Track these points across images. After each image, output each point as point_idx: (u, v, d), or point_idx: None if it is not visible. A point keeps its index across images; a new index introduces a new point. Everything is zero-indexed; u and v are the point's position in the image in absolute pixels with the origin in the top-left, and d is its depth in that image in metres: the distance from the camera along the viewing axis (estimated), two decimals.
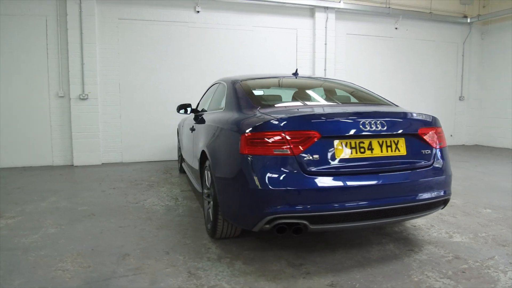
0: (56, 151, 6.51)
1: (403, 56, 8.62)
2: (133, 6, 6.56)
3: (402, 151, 2.58)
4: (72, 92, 6.36)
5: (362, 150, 2.47)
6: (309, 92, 3.46)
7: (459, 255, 2.79)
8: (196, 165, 3.63)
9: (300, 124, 2.40)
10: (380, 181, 2.45)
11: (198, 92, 7.02)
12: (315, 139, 2.37)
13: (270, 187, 2.32)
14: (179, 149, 5.97)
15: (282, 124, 2.37)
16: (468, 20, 8.79)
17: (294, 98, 3.38)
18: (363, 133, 2.47)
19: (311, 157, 2.36)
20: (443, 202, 2.74)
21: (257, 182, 2.35)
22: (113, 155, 6.78)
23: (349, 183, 2.37)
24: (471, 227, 3.38)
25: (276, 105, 2.94)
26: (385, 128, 2.52)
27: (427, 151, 2.67)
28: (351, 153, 2.44)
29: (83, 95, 6.39)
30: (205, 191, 3.31)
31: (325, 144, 2.39)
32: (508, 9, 8.17)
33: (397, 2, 8.26)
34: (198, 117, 3.99)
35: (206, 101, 4.91)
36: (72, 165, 6.54)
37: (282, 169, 2.34)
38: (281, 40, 7.62)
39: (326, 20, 7.71)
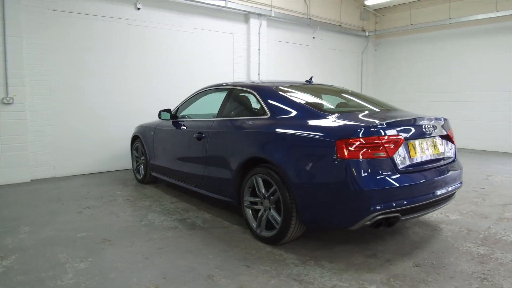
0: None
1: (319, 62, 9.60)
2: None
3: (442, 149, 3.12)
4: None
5: (424, 150, 2.91)
6: (344, 99, 3.72)
7: (469, 228, 3.50)
8: (227, 175, 3.52)
9: (390, 130, 2.70)
10: (439, 175, 2.93)
11: (142, 95, 6.55)
12: (401, 142, 2.70)
13: (375, 187, 2.56)
14: (137, 158, 5.49)
15: (377, 130, 2.63)
16: (366, 34, 10.33)
17: (339, 105, 3.60)
18: (425, 136, 2.92)
19: (399, 158, 2.69)
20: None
21: (362, 184, 2.55)
22: (45, 170, 5.75)
23: (425, 177, 2.79)
24: (450, 207, 4.18)
25: (339, 112, 3.13)
26: (435, 130, 3.02)
27: (452, 148, 3.28)
28: (420, 153, 2.86)
29: (7, 98, 5.25)
30: (250, 199, 3.29)
31: (405, 146, 2.75)
32: (396, 27, 9.94)
33: (316, 14, 9.16)
34: (209, 124, 3.85)
35: (198, 108, 4.73)
36: None
37: (381, 170, 2.61)
38: (219, 44, 7.63)
39: (260, 27, 8.05)
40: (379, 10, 10.38)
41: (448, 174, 3.04)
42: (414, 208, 2.75)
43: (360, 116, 3.08)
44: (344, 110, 3.33)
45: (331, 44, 9.83)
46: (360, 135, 2.62)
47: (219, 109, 3.94)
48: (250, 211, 3.34)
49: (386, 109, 3.50)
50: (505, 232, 3.41)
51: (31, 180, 5.60)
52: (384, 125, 2.71)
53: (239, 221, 3.72)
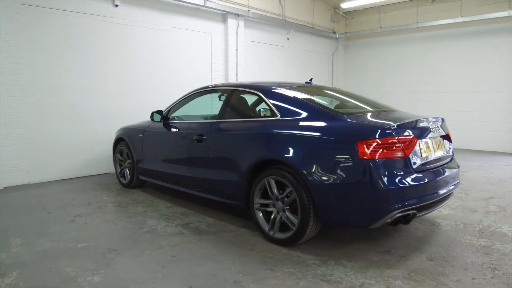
0: None
1: (293, 63, 9.71)
2: None
3: (444, 148, 3.28)
4: None
5: (431, 149, 3.05)
6: (349, 101, 3.77)
7: (463, 222, 3.71)
8: (234, 177, 3.46)
9: (406, 130, 2.80)
10: (445, 173, 3.08)
11: (121, 95, 6.30)
12: (415, 142, 2.81)
13: (395, 186, 2.65)
14: (121, 162, 5.26)
15: (395, 131, 2.72)
16: (337, 36, 10.61)
17: (341, 107, 3.64)
18: (432, 136, 3.06)
19: (414, 158, 2.80)
20: None
21: (384, 183, 2.63)
22: (18, 176, 5.34)
23: (435, 175, 2.93)
24: None
25: (351, 114, 3.18)
26: (440, 130, 3.18)
27: (450, 147, 3.46)
28: (428, 152, 2.99)
29: None
30: (261, 201, 3.27)
31: (418, 146, 2.86)
32: (365, 29, 10.31)
33: (290, 15, 9.27)
34: (211, 126, 3.78)
35: (191, 109, 4.62)
36: None
37: (400, 169, 2.71)
38: (198, 43, 7.50)
39: (237, 27, 8.01)
40: (349, 13, 10.71)
41: (451, 172, 3.20)
42: (427, 205, 2.87)
43: (371, 117, 3.16)
44: (353, 112, 3.40)
45: (304, 45, 9.99)
46: (380, 136, 2.69)
47: (221, 110, 3.88)
48: (261, 214, 3.32)
49: (385, 110, 3.60)
50: (496, 224, 3.66)
51: (4, 187, 5.18)
52: (400, 126, 2.80)
53: (244, 224, 3.69)
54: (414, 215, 2.79)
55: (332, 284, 2.50)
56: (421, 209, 2.83)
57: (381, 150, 2.66)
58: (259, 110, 3.68)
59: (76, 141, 5.89)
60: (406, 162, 2.74)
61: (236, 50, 8.09)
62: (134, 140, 4.94)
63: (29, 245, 3.19)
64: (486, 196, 4.71)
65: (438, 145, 3.19)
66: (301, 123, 3.08)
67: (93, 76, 5.98)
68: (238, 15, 7.96)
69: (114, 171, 6.16)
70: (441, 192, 2.97)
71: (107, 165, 6.22)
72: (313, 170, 2.85)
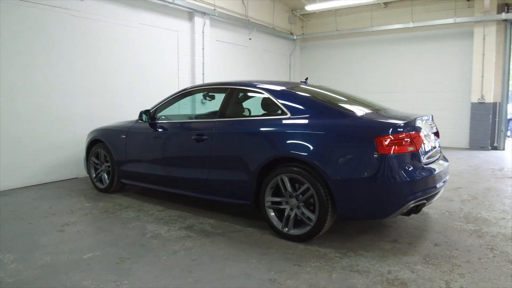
0: None
1: (255, 63, 9.80)
2: None
3: (434, 143, 3.57)
4: None
5: (429, 144, 3.31)
6: (347, 99, 3.86)
7: (447, 210, 4.06)
8: (242, 176, 3.44)
9: (415, 126, 3.00)
10: (443, 166, 3.36)
11: (89, 95, 5.90)
12: (422, 137, 3.04)
13: (412, 178, 2.85)
14: (97, 165, 4.94)
15: (405, 128, 2.92)
16: (294, 37, 10.90)
17: (349, 103, 3.70)
18: (428, 132, 3.32)
19: (422, 152, 3.03)
20: None
21: (402, 176, 2.81)
22: None
23: (437, 168, 3.18)
24: None
25: (360, 112, 3.31)
26: (433, 127, 3.46)
27: (439, 142, 3.77)
28: (428, 147, 3.24)
29: None
30: (272, 199, 3.29)
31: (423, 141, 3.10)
32: (321, 32, 10.73)
33: (252, 15, 9.34)
34: (213, 125, 3.72)
35: (179, 109, 4.50)
36: None
37: (414, 163, 2.91)
38: (165, 41, 7.27)
39: (204, 25, 7.90)
40: (305, 15, 11.06)
41: (445, 165, 3.49)
42: (432, 195, 3.11)
43: (379, 115, 3.32)
44: (373, 108, 3.52)
45: (265, 46, 10.13)
46: (395, 132, 2.86)
47: (221, 109, 3.82)
48: (272, 212, 3.34)
49: (380, 108, 3.80)
50: (475, 211, 4.06)
51: None
52: (408, 124, 3.00)
53: (249, 223, 3.68)
54: (423, 205, 3.01)
55: (363, 274, 2.61)
56: (428, 199, 3.06)
57: (396, 145, 2.84)
58: (268, 108, 3.67)
59: (41, 145, 5.41)
60: (418, 156, 2.95)
61: (203, 49, 7.97)
62: (115, 142, 4.66)
63: (24, 260, 2.89)
64: (454, 186, 5.18)
65: (433, 140, 3.47)
66: (316, 121, 3.16)
67: (58, 73, 5.53)
68: (205, 13, 7.85)
69: (82, 175, 5.80)
70: (441, 183, 3.24)
71: (75, 170, 5.80)
72: (333, 166, 2.95)
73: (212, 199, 3.82)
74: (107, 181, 4.85)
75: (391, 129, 2.88)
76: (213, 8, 8.03)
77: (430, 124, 3.46)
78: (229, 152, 3.61)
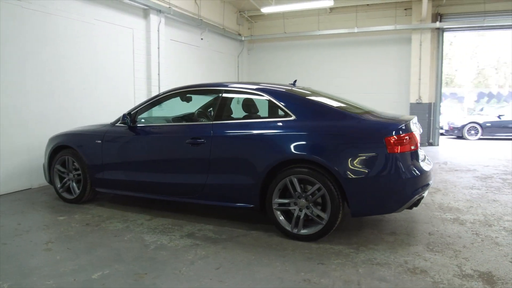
0: None
1: (206, 63, 9.64)
2: None
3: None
4: None
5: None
6: (342, 102, 3.98)
7: (423, 203, 4.45)
8: (247, 180, 3.41)
9: (411, 127, 3.25)
10: (429, 164, 3.65)
11: (41, 95, 5.32)
12: (417, 137, 3.31)
13: (417, 174, 3.11)
14: (63, 173, 4.49)
15: (407, 128, 3.16)
16: (242, 38, 10.95)
17: (346, 105, 3.80)
18: (419, 133, 3.62)
19: (419, 151, 3.30)
20: None
21: (409, 173, 3.06)
22: None
23: (429, 166, 3.48)
24: None
25: (360, 114, 3.45)
26: (420, 128, 3.77)
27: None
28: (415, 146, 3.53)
29: None
30: (280, 201, 3.32)
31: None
32: (269, 33, 10.93)
33: (204, 15, 9.17)
34: (211, 128, 3.62)
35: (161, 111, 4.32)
36: None
37: (416, 160, 3.19)
38: (121, 39, 6.81)
39: (159, 24, 7.58)
40: (253, 17, 11.18)
41: (431, 163, 3.83)
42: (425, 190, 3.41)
43: (378, 117, 3.50)
44: (359, 112, 3.67)
45: (215, 46, 10.03)
46: (400, 132, 3.08)
47: (217, 111, 3.74)
48: (279, 213, 3.37)
49: (370, 110, 4.00)
50: (444, 201, 4.51)
51: None
52: (407, 125, 3.24)
53: (249, 226, 3.66)
54: (422, 198, 3.29)
55: (385, 266, 2.77)
56: (423, 193, 3.35)
57: (401, 144, 3.06)
58: (272, 110, 3.65)
59: None
60: (417, 154, 3.22)
61: (158, 48, 7.64)
62: (89, 147, 4.28)
63: (23, 287, 2.54)
64: None
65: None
66: (325, 123, 3.26)
67: (9, 72, 4.89)
68: (160, 11, 7.54)
69: (37, 185, 5.30)
70: (431, 179, 3.55)
71: (29, 179, 5.21)
72: (345, 166, 3.07)
73: (209, 204, 3.72)
74: (77, 191, 4.43)
75: (397, 129, 3.09)
76: (168, 6, 7.74)
77: (417, 126, 3.76)
78: (231, 155, 3.54)
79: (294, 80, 4.32)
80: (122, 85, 6.90)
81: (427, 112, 9.21)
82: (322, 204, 3.24)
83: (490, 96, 19.92)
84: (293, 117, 3.38)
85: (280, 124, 3.41)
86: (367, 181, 3.07)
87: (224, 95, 3.80)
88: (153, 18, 7.45)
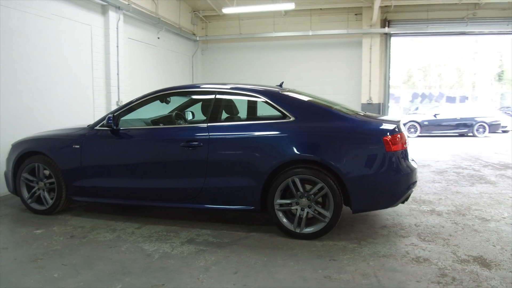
0: None
1: (162, 63, 9.34)
2: None
3: None
4: None
5: None
6: (328, 102, 4.09)
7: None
8: (248, 182, 3.42)
9: (400, 128, 3.48)
10: (415, 162, 3.94)
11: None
12: (405, 137, 3.57)
13: (411, 170, 3.36)
14: (32, 182, 4.11)
15: (399, 128, 3.40)
16: (197, 38, 10.78)
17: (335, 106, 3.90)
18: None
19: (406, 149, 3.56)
20: None
21: (405, 169, 3.31)
22: None
23: (415, 164, 3.76)
24: None
25: (354, 114, 3.60)
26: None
27: None
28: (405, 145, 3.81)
29: None
30: (282, 201, 3.38)
31: None
32: (224, 34, 10.89)
33: (162, 14, 8.88)
34: (207, 130, 3.56)
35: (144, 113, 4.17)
36: None
37: (407, 158, 3.43)
38: (79, 36, 6.34)
39: (118, 21, 7.19)
40: (207, 17, 11.05)
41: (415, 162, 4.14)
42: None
43: (369, 117, 3.70)
44: (351, 113, 3.82)
45: (171, 46, 9.77)
46: (395, 133, 3.30)
47: (212, 114, 3.67)
48: (281, 214, 3.42)
49: (357, 111, 4.20)
50: (415, 195, 4.87)
51: None
52: (398, 125, 3.47)
53: (248, 228, 3.67)
54: (411, 193, 3.56)
55: (391, 258, 2.96)
56: (413, 188, 3.62)
57: (397, 143, 3.29)
58: (272, 112, 3.66)
59: None
60: (407, 153, 3.47)
61: (117, 46, 7.25)
62: (65, 153, 3.96)
63: None
64: None
65: None
66: (325, 124, 3.38)
67: None
68: (119, 8, 7.17)
69: None
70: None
71: None
72: (348, 165, 3.22)
73: (207, 208, 3.65)
74: (50, 201, 4.08)
75: (392, 129, 3.31)
76: (127, 3, 7.38)
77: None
78: (231, 158, 3.52)
79: (280, 82, 4.38)
80: (80, 84, 6.44)
81: (377, 111, 9.85)
82: (323, 203, 3.37)
83: (423, 96, 21.94)
84: (292, 119, 3.45)
85: (281, 125, 3.45)
86: (368, 179, 3.25)
87: (218, 96, 3.76)
88: (112, 15, 7.06)
